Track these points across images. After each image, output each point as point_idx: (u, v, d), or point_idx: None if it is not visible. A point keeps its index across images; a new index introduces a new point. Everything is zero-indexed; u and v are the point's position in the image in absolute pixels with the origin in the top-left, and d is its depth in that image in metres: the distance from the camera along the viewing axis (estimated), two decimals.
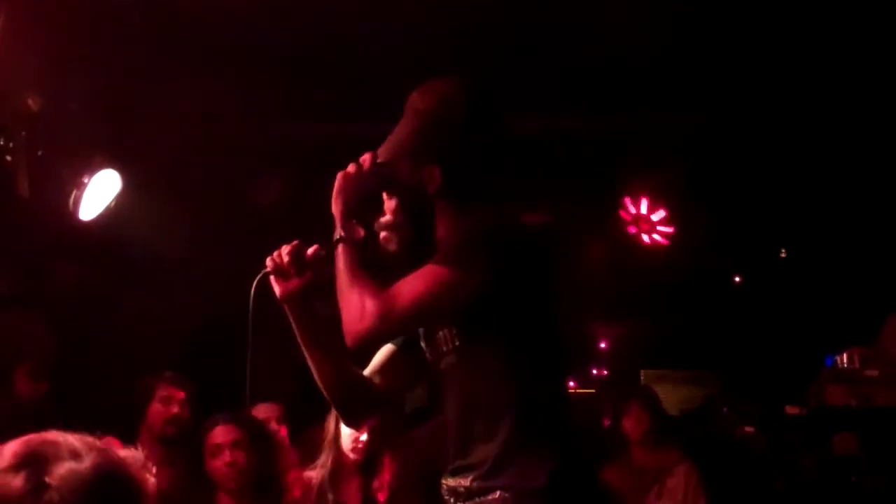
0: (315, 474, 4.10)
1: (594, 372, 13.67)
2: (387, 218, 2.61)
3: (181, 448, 4.39)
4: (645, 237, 6.47)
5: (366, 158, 2.59)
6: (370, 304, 2.39)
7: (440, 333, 2.57)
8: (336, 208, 2.56)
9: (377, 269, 2.55)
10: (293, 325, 2.64)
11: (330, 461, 4.08)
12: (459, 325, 2.52)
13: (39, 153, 4.53)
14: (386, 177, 2.59)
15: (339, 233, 2.54)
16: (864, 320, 6.13)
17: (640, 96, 5.57)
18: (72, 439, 1.55)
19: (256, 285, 2.60)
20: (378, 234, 2.61)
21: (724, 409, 7.06)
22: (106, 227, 4.82)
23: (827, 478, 5.70)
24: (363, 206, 2.58)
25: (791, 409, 6.03)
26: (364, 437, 4.03)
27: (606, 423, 6.46)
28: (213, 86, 4.88)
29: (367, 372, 2.75)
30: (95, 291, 5.55)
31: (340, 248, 2.52)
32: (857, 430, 5.60)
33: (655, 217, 6.43)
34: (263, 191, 5.85)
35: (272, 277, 2.60)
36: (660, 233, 6.48)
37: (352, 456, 4.04)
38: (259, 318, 2.67)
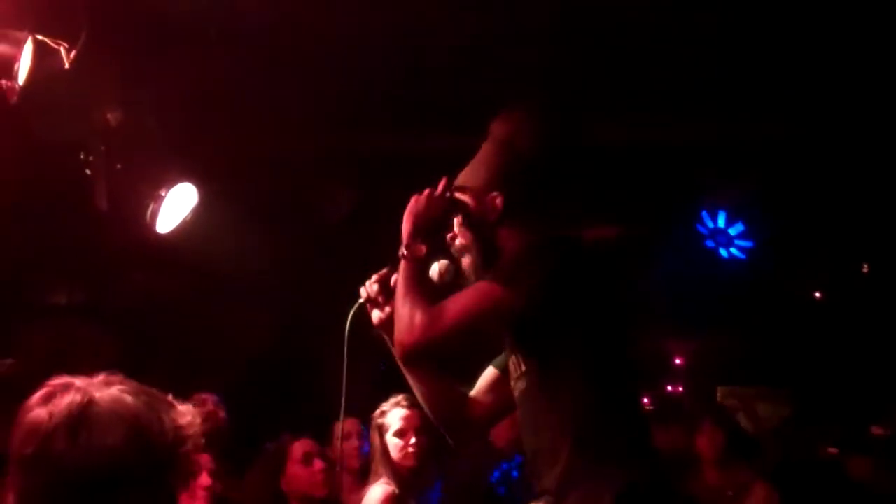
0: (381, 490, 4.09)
1: (669, 389, 13.48)
2: (459, 242, 2.74)
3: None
4: (723, 251, 6.36)
5: (441, 183, 2.72)
6: (418, 318, 2.51)
7: (511, 360, 2.67)
8: (405, 227, 2.68)
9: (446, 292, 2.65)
10: (390, 344, 2.73)
11: (385, 473, 4.08)
12: (520, 349, 2.61)
13: (118, 167, 4.58)
14: (455, 202, 2.72)
15: (402, 250, 2.65)
16: None
17: (719, 108, 5.48)
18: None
19: (352, 315, 2.75)
20: (457, 257, 2.73)
21: (807, 427, 6.89)
22: (183, 240, 4.86)
23: None
24: (431, 228, 2.70)
25: (877, 430, 5.86)
26: (413, 440, 4.04)
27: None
28: (288, 98, 4.91)
29: (472, 393, 2.85)
30: (171, 303, 5.61)
31: (402, 264, 2.64)
32: None
33: (733, 231, 6.32)
34: (335, 206, 5.87)
35: (368, 306, 2.77)
36: (738, 247, 6.36)
37: (406, 464, 4.05)
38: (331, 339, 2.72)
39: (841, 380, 8.04)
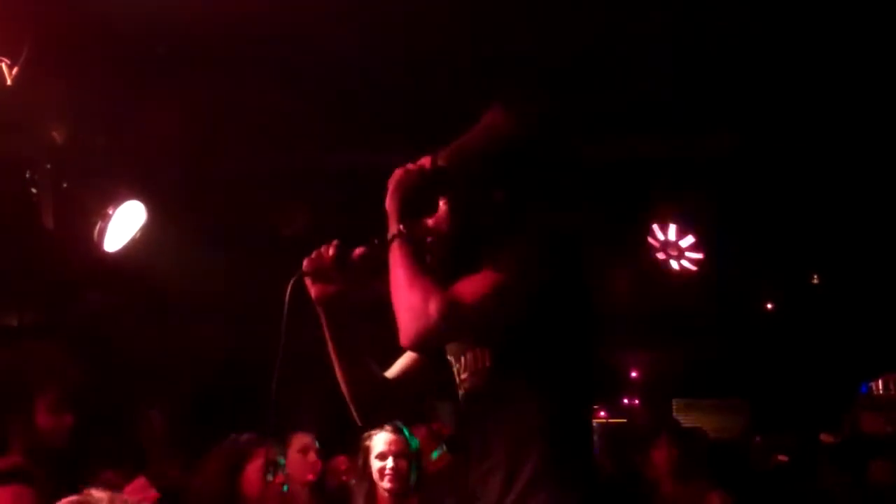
0: None
1: (625, 401, 13.58)
2: (433, 224, 2.53)
3: None
4: (674, 263, 6.39)
5: (426, 161, 2.52)
6: (433, 303, 2.27)
7: (469, 353, 2.52)
8: (392, 204, 2.47)
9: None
10: (325, 328, 2.56)
11: (364, 495, 4.15)
12: (496, 345, 2.46)
13: (64, 185, 4.54)
14: (448, 183, 2.51)
15: (394, 230, 2.44)
16: None
17: (669, 121, 5.52)
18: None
19: (292, 288, 2.46)
20: (419, 238, 2.50)
21: (757, 439, 6.96)
22: (131, 259, 4.82)
23: None
24: (418, 207, 2.49)
25: (826, 438, 5.93)
26: (392, 464, 4.09)
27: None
28: (240, 116, 4.89)
29: (390, 373, 2.69)
30: (120, 321, 5.56)
31: (396, 246, 2.42)
32: (893, 457, 5.49)
33: (684, 243, 6.35)
34: (288, 222, 5.85)
35: (308, 280, 2.51)
36: (689, 259, 6.39)
37: (386, 486, 4.11)
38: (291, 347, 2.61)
39: (792, 389, 8.13)
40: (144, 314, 5.68)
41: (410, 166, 2.51)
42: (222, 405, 4.91)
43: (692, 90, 5.14)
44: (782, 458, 6.12)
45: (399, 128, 5.13)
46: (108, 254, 4.71)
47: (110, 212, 4.66)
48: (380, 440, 4.25)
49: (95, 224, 4.62)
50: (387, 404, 2.68)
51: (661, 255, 6.37)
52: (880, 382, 5.57)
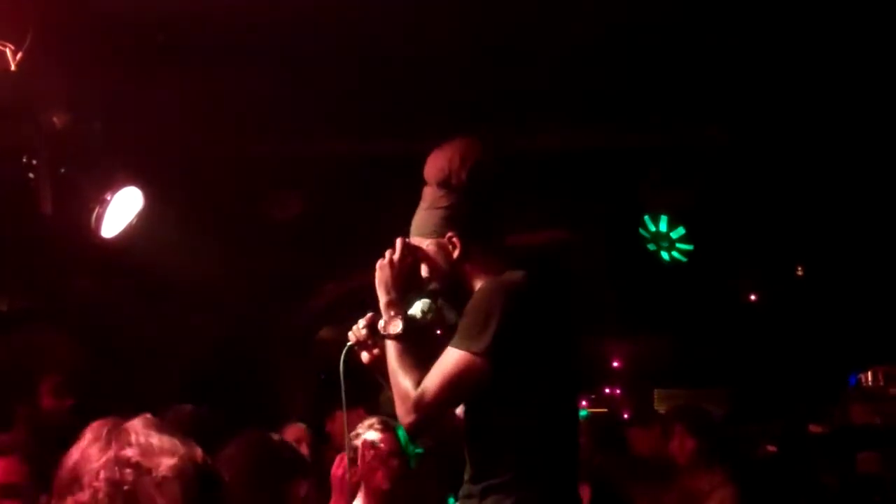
0: None
1: (606, 391, 13.63)
2: (434, 286, 2.91)
3: None
4: (665, 255, 6.42)
5: (399, 243, 2.89)
6: (410, 400, 2.70)
7: None
8: (381, 301, 2.86)
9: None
10: (382, 380, 2.91)
11: (357, 496, 4.12)
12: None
13: (62, 171, 4.52)
14: (417, 257, 2.88)
15: (383, 329, 2.83)
16: (888, 338, 6.09)
17: (660, 114, 5.56)
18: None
19: (344, 359, 2.91)
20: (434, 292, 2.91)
21: (746, 427, 6.99)
22: (128, 245, 4.81)
23: (850, 497, 5.64)
24: (407, 288, 2.87)
25: (815, 428, 5.98)
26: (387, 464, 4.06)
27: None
28: (237, 103, 4.89)
29: None
30: (116, 308, 5.55)
31: (390, 345, 2.81)
32: (881, 448, 5.54)
33: (675, 235, 6.38)
34: (283, 209, 5.85)
35: (356, 349, 2.93)
36: (679, 250, 6.43)
37: (380, 485, 4.08)
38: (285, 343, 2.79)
39: (778, 380, 8.19)
40: (141, 299, 5.67)
41: (388, 259, 2.87)
42: (218, 392, 4.91)
43: (682, 82, 5.18)
44: (771, 448, 6.17)
45: (396, 116, 5.14)
46: (105, 240, 4.70)
47: (108, 198, 4.65)
48: (371, 438, 4.15)
49: (93, 210, 4.61)
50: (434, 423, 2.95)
51: (652, 247, 6.41)
52: (869, 374, 5.63)
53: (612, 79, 5.15)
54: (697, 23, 4.64)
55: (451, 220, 2.85)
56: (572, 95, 5.36)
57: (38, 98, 4.31)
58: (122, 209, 4.75)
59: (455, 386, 2.70)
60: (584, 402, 11.99)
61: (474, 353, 2.67)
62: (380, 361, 2.89)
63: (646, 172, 6.16)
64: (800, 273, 7.95)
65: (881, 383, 5.56)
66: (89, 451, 1.63)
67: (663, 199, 6.29)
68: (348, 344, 2.94)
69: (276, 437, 4.01)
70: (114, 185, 4.67)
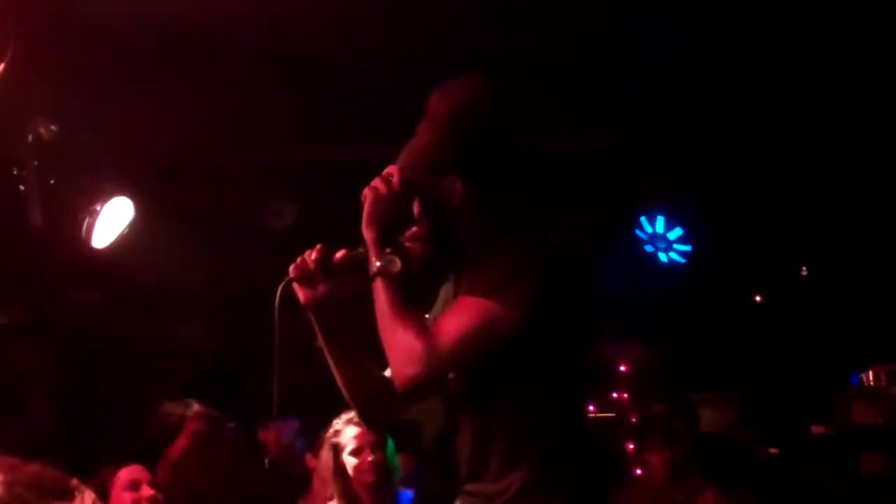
0: None
1: (614, 395, 13.55)
2: (413, 230, 2.51)
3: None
4: (662, 256, 6.38)
5: (392, 173, 2.48)
6: (418, 347, 2.30)
7: None
8: (369, 234, 2.45)
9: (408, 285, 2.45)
10: (318, 332, 2.54)
11: (338, 494, 4.04)
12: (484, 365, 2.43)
13: (51, 182, 4.52)
14: (415, 191, 2.49)
15: (374, 266, 2.43)
16: (889, 338, 6.04)
17: (657, 113, 5.53)
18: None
19: (280, 293, 2.46)
20: (404, 245, 2.50)
21: (748, 432, 6.95)
22: (119, 255, 4.80)
23: (853, 499, 5.60)
24: (396, 228, 2.48)
25: (817, 429, 5.94)
26: (370, 457, 3.99)
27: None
28: (226, 112, 4.88)
29: (388, 373, 2.60)
30: (108, 319, 5.54)
31: (379, 283, 2.41)
32: (884, 449, 5.50)
33: (672, 235, 6.34)
34: (277, 217, 5.84)
35: (296, 285, 2.49)
36: (677, 251, 6.39)
37: (365, 479, 4.00)
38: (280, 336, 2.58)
39: (781, 381, 8.13)
40: (133, 309, 5.66)
41: (376, 184, 2.47)
42: (209, 401, 4.88)
43: (680, 80, 5.15)
44: (773, 450, 6.13)
45: (389, 121, 5.12)
46: (96, 250, 4.69)
47: (98, 208, 4.65)
48: (349, 435, 4.04)
49: (83, 221, 4.60)
50: (387, 402, 2.57)
51: (649, 248, 6.37)
52: (871, 373, 5.58)
53: (608, 77, 5.13)
54: (695, 20, 4.61)
55: (453, 161, 2.48)
56: (567, 95, 5.33)
57: (25, 109, 4.31)
58: (112, 219, 4.75)
59: (479, 337, 2.30)
60: (591, 407, 11.94)
61: (504, 304, 2.30)
62: (321, 302, 2.49)
63: (641, 173, 6.13)
64: (804, 273, 7.91)
65: (883, 383, 5.51)
66: None
67: (659, 199, 6.26)
68: (287, 278, 2.48)
69: None
70: (103, 195, 4.67)
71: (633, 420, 9.31)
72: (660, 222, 6.30)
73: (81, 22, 4.15)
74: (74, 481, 1.60)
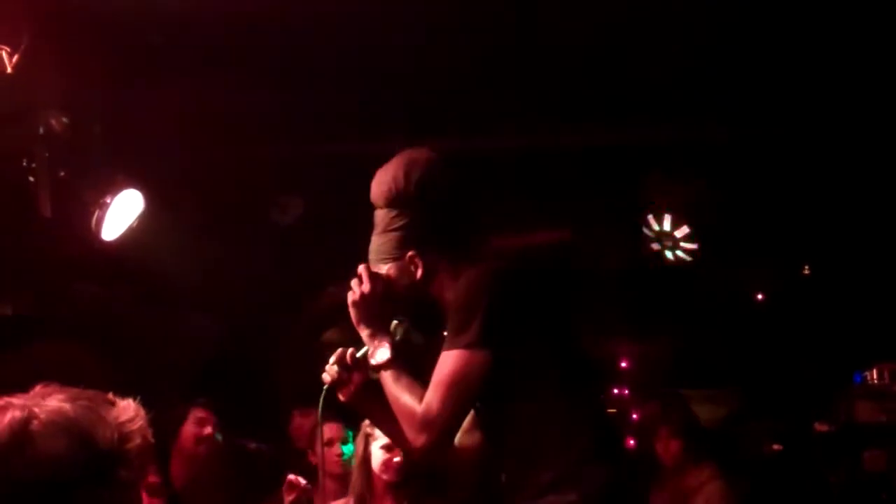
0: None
1: (615, 391, 13.55)
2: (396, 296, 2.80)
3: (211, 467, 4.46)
4: (669, 254, 6.38)
5: (360, 272, 2.77)
6: (417, 421, 2.57)
7: None
8: (362, 333, 2.76)
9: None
10: (364, 413, 2.97)
11: (359, 483, 4.05)
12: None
13: (62, 174, 4.52)
14: (381, 281, 2.77)
15: (372, 360, 2.72)
16: (893, 336, 6.05)
17: (664, 112, 5.53)
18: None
19: (323, 400, 2.81)
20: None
21: (751, 425, 6.96)
22: (128, 248, 4.81)
23: (857, 496, 5.62)
24: (384, 314, 2.77)
25: (820, 426, 5.96)
26: (398, 458, 3.99)
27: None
28: (237, 106, 4.88)
29: None
30: (117, 311, 5.55)
31: (383, 375, 2.69)
32: (887, 446, 5.52)
33: (679, 234, 6.34)
34: (285, 211, 5.84)
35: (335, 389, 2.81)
36: (684, 249, 6.38)
37: (385, 477, 4.02)
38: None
39: (784, 379, 8.14)
40: (143, 302, 5.67)
41: (355, 293, 2.75)
42: (219, 393, 4.91)
43: (687, 77, 5.15)
44: (777, 446, 6.14)
45: (397, 116, 5.13)
46: (105, 242, 4.70)
47: (108, 200, 4.65)
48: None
49: (93, 213, 4.61)
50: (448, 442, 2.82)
51: (655, 246, 6.37)
52: (874, 371, 5.60)
53: (615, 74, 5.14)
54: (703, 16, 4.62)
55: (408, 239, 2.74)
56: (574, 92, 5.34)
57: (36, 101, 4.31)
58: (122, 212, 4.75)
59: (459, 388, 2.55)
60: None
61: (468, 347, 2.53)
62: (358, 395, 2.81)
63: (648, 170, 6.13)
64: (806, 272, 7.91)
65: (886, 380, 5.53)
66: None
67: (666, 197, 6.26)
68: (325, 386, 2.82)
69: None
70: (114, 187, 4.67)
71: (634, 416, 9.30)
72: (667, 220, 6.29)
73: (93, 14, 4.15)
74: (111, 394, 1.74)
